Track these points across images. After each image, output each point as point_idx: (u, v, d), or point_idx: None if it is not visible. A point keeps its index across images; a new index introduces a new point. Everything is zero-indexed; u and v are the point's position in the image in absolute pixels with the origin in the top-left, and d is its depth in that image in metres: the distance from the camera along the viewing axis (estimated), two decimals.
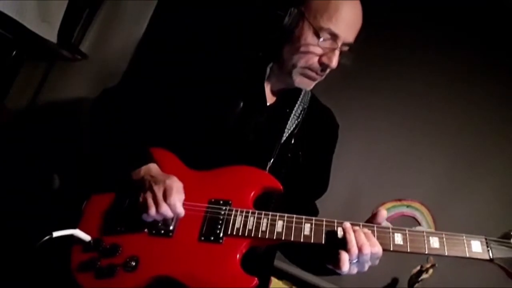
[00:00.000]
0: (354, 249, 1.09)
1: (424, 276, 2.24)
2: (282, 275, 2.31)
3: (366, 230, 1.14)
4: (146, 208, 1.17)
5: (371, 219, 1.19)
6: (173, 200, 1.16)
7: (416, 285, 2.26)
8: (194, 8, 2.46)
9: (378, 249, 1.10)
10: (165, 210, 1.16)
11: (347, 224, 1.14)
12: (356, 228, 1.14)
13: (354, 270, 1.13)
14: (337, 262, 1.10)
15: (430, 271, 2.24)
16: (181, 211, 1.19)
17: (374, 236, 1.13)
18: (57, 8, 2.17)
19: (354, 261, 1.10)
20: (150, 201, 1.17)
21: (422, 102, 2.51)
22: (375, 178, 2.49)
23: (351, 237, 1.10)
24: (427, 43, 2.52)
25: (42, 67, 2.39)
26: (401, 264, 2.28)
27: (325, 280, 2.36)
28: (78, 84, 2.35)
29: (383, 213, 1.18)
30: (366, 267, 1.14)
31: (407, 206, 2.46)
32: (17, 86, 2.33)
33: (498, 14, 2.42)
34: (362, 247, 1.09)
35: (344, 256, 1.09)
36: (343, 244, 1.11)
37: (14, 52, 2.20)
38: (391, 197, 2.47)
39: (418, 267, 2.27)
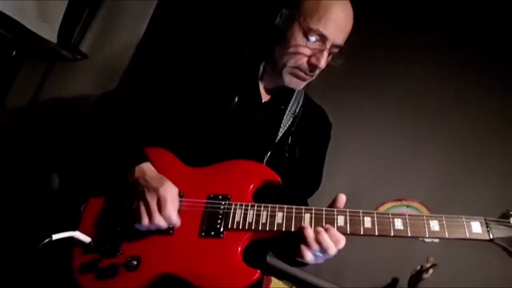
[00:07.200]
0: (313, 244, 1.12)
1: (424, 276, 2.24)
2: (282, 275, 2.31)
3: (327, 225, 1.14)
4: (139, 218, 1.16)
5: (332, 205, 1.21)
6: (168, 212, 1.15)
7: (416, 285, 2.26)
8: (192, 7, 2.47)
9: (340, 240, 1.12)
10: (159, 221, 1.15)
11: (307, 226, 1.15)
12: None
13: (321, 260, 1.15)
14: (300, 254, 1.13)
15: (430, 271, 2.23)
16: (176, 221, 1.18)
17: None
18: (57, 8, 2.17)
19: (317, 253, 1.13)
20: (143, 211, 1.16)
21: (421, 102, 2.52)
22: (375, 178, 2.49)
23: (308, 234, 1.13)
24: (426, 43, 2.53)
25: (42, 67, 2.39)
26: (401, 264, 2.29)
27: (325, 280, 2.36)
28: (78, 84, 2.35)
29: (342, 198, 1.21)
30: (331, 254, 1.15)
31: (407, 206, 2.46)
32: (17, 86, 2.32)
33: (498, 14, 2.43)
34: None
35: (304, 248, 1.12)
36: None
37: (14, 52, 2.19)
38: (391, 197, 2.47)
39: (418, 267, 2.27)
